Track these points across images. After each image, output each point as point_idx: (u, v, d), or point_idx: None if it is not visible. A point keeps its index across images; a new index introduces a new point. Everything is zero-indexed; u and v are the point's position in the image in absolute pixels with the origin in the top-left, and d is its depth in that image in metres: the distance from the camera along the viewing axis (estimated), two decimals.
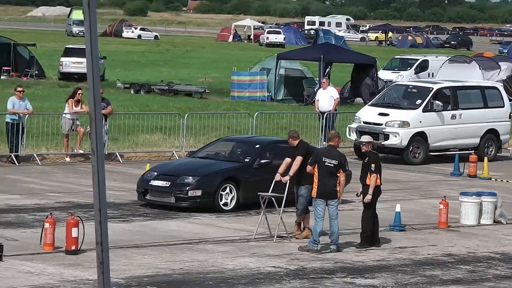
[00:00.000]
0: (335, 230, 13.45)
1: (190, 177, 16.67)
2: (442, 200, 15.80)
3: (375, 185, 13.82)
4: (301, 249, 13.49)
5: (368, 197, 13.74)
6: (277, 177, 14.35)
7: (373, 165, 13.91)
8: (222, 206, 16.45)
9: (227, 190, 16.69)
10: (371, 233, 13.98)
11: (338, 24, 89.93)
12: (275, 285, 11.83)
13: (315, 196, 13.45)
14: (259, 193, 14.62)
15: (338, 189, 13.51)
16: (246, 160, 17.55)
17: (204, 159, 18.01)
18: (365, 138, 15.38)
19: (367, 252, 13.75)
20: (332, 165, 13.49)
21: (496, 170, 22.36)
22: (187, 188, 16.44)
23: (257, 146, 18.24)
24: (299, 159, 14.12)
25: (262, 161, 17.25)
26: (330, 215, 13.40)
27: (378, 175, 13.98)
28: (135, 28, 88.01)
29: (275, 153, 17.50)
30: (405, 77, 37.90)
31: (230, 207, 16.58)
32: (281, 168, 14.44)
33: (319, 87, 27.89)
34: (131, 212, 16.12)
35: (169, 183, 16.67)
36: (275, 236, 14.16)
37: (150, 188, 16.82)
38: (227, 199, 16.60)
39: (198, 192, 16.36)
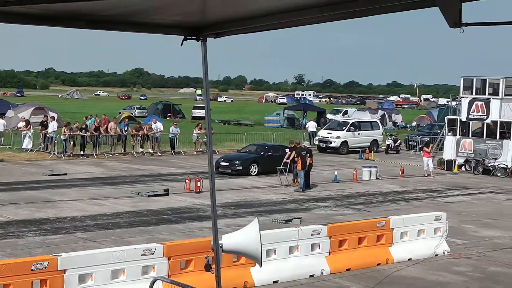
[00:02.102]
0: (302, 182, 29.73)
1: (237, 161, 33.72)
2: (355, 169, 33.18)
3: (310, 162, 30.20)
4: (295, 190, 29.81)
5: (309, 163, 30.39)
6: (285, 159, 30.78)
7: (308, 154, 30.37)
8: (251, 173, 33.49)
9: (253, 167, 33.87)
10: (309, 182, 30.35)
11: (309, 95, 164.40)
12: (283, 206, 27.02)
13: (300, 169, 29.80)
14: (277, 167, 31.16)
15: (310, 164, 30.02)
16: (261, 153, 35.17)
17: (243, 153, 35.57)
18: (306, 143, 32.54)
19: (320, 191, 30.06)
20: (306, 155, 29.83)
21: (376, 157, 43.82)
22: (236, 166, 33.33)
23: (266, 147, 35.98)
24: (293, 153, 30.50)
25: (269, 154, 35.08)
26: (303, 176, 29.80)
27: (311, 158, 30.38)
28: (225, 97, 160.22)
29: (274, 150, 35.21)
30: (338, 117, 64.23)
31: (254, 174, 33.49)
32: (286, 156, 30.87)
33: (305, 122, 63.18)
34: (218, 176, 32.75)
35: (228, 163, 33.60)
36: (284, 185, 30.57)
37: (219, 165, 33.57)
38: (253, 170, 33.66)
39: (240, 167, 33.40)
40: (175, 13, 6.00)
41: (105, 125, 41.88)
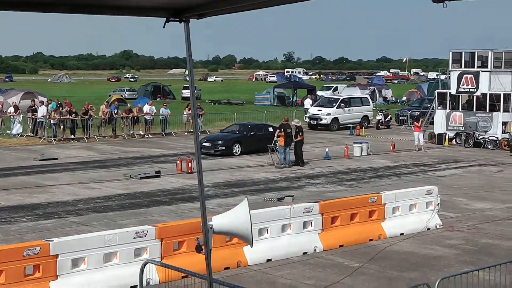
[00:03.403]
0: (288, 158, 29.78)
1: (219, 141, 33.47)
2: (346, 145, 33.17)
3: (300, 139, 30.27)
4: (276, 167, 29.80)
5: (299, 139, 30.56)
6: (275, 137, 30.72)
7: (300, 131, 30.50)
8: (234, 154, 33.14)
9: (236, 146, 33.62)
10: (302, 159, 30.41)
11: (299, 72, 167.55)
12: (275, 184, 26.91)
13: (281, 145, 29.84)
14: (268, 145, 31.15)
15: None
16: (244, 133, 34.83)
17: (226, 133, 35.14)
18: (296, 121, 31.98)
19: (312, 169, 30.09)
20: (290, 132, 29.83)
21: (367, 132, 43.74)
22: (218, 146, 33.04)
23: (249, 126, 35.60)
24: (277, 131, 30.51)
25: (252, 133, 34.77)
26: (287, 152, 29.89)
27: (302, 135, 30.49)
28: (214, 77, 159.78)
29: (257, 130, 34.95)
30: (328, 94, 64.26)
31: (237, 154, 33.24)
32: (276, 134, 30.80)
33: (295, 100, 66.79)
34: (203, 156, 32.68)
35: (211, 144, 33.30)
36: (275, 163, 30.58)
37: (202, 146, 32.91)
38: (236, 151, 33.38)
39: (222, 148, 33.11)
40: None
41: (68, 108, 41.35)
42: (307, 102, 56.15)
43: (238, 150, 33.74)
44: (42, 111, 40.45)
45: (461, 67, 40.26)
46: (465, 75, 39.78)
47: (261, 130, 35.24)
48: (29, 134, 40.50)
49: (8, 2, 5.58)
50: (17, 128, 40.95)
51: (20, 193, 23.81)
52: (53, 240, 13.52)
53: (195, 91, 8.22)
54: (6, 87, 77.21)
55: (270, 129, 35.10)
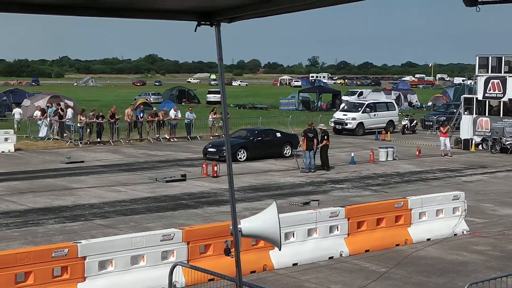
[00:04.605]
0: (313, 162, 29.74)
1: (224, 147, 32.16)
2: (371, 150, 33.04)
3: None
4: (301, 171, 29.76)
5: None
6: (300, 142, 30.73)
7: (326, 135, 30.43)
8: (238, 159, 32.52)
9: (241, 152, 33.02)
10: (328, 163, 30.32)
11: (324, 77, 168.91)
12: (300, 189, 26.90)
13: (304, 149, 29.86)
14: (293, 150, 31.18)
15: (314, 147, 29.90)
16: (251, 138, 34.16)
17: (232, 138, 33.69)
18: (322, 126, 31.89)
19: (337, 173, 30.02)
20: (312, 136, 29.78)
21: (392, 137, 43.73)
22: (223, 151, 31.78)
23: (256, 132, 34.96)
24: (304, 136, 30.43)
25: (258, 138, 34.12)
26: (311, 157, 29.81)
27: (327, 140, 30.35)
28: (239, 81, 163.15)
29: (264, 135, 34.31)
30: (353, 99, 63.22)
31: (242, 160, 32.49)
32: (301, 139, 30.83)
33: (320, 104, 67.88)
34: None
35: (216, 149, 32.81)
36: (300, 168, 30.54)
37: (207, 151, 32.99)
38: (240, 156, 32.81)
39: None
40: None
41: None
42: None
43: (243, 156, 32.93)
44: (69, 114, 40.77)
45: (487, 72, 39.96)
46: (492, 80, 39.48)
47: (269, 136, 34.63)
48: (56, 137, 40.80)
49: (35, 5, 5.63)
50: (44, 131, 41.30)
51: (47, 196, 23.99)
52: (81, 242, 13.61)
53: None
54: (32, 90, 77.81)
55: (278, 134, 34.82)
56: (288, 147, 34.47)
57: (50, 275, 12.94)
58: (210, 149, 32.96)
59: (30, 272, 12.72)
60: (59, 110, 42.96)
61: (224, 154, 31.14)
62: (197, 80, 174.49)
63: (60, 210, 21.73)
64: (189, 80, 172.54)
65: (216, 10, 6.63)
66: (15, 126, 43.99)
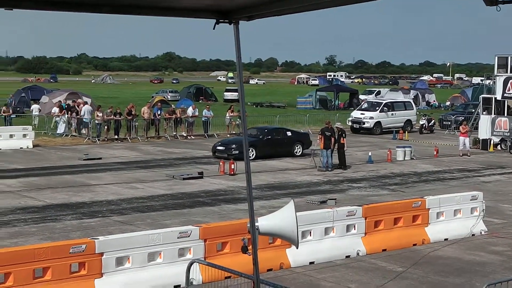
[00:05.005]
0: (330, 161, 29.68)
1: (233, 145, 32.53)
2: (389, 149, 32.96)
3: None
4: (318, 170, 29.71)
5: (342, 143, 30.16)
6: (317, 141, 30.70)
7: (343, 134, 30.36)
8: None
9: (250, 150, 32.38)
10: (345, 162, 30.24)
11: (341, 76, 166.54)
12: (317, 187, 26.93)
13: (321, 148, 29.78)
14: (310, 148, 31.16)
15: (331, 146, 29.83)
16: (260, 137, 33.82)
17: (242, 136, 34.20)
18: (338, 124, 31.78)
19: (354, 172, 29.95)
20: (330, 135, 29.72)
21: (410, 137, 43.71)
22: (232, 150, 32.07)
23: (266, 130, 34.76)
24: (321, 135, 30.38)
25: (268, 137, 33.79)
26: (329, 155, 29.74)
27: (345, 138, 30.29)
28: (256, 79, 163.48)
29: (275, 134, 34.10)
30: (370, 98, 63.82)
31: (252, 158, 31.69)
32: (318, 138, 30.78)
33: (337, 103, 68.21)
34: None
35: (224, 147, 32.69)
36: (317, 166, 30.50)
37: (216, 150, 32.91)
38: (249, 154, 31.98)
39: (236, 152, 31.62)
40: None
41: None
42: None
43: (253, 154, 32.47)
44: (86, 111, 40.94)
45: (507, 72, 39.69)
46: (511, 80, 39.22)
47: (279, 134, 34.36)
48: (74, 134, 41.00)
49: (53, 2, 5.63)
50: (61, 128, 41.52)
51: (65, 192, 24.11)
52: (98, 238, 13.67)
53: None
54: (51, 87, 78.21)
55: (289, 133, 34.70)
56: (299, 146, 34.37)
57: (67, 271, 13.00)
58: (218, 147, 32.86)
59: (48, 267, 12.79)
60: (75, 105, 43.15)
61: (233, 152, 31.28)
62: (224, 78, 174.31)
63: (78, 206, 21.84)
64: (219, 78, 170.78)
65: (235, 8, 6.62)
66: (34, 122, 44.26)
